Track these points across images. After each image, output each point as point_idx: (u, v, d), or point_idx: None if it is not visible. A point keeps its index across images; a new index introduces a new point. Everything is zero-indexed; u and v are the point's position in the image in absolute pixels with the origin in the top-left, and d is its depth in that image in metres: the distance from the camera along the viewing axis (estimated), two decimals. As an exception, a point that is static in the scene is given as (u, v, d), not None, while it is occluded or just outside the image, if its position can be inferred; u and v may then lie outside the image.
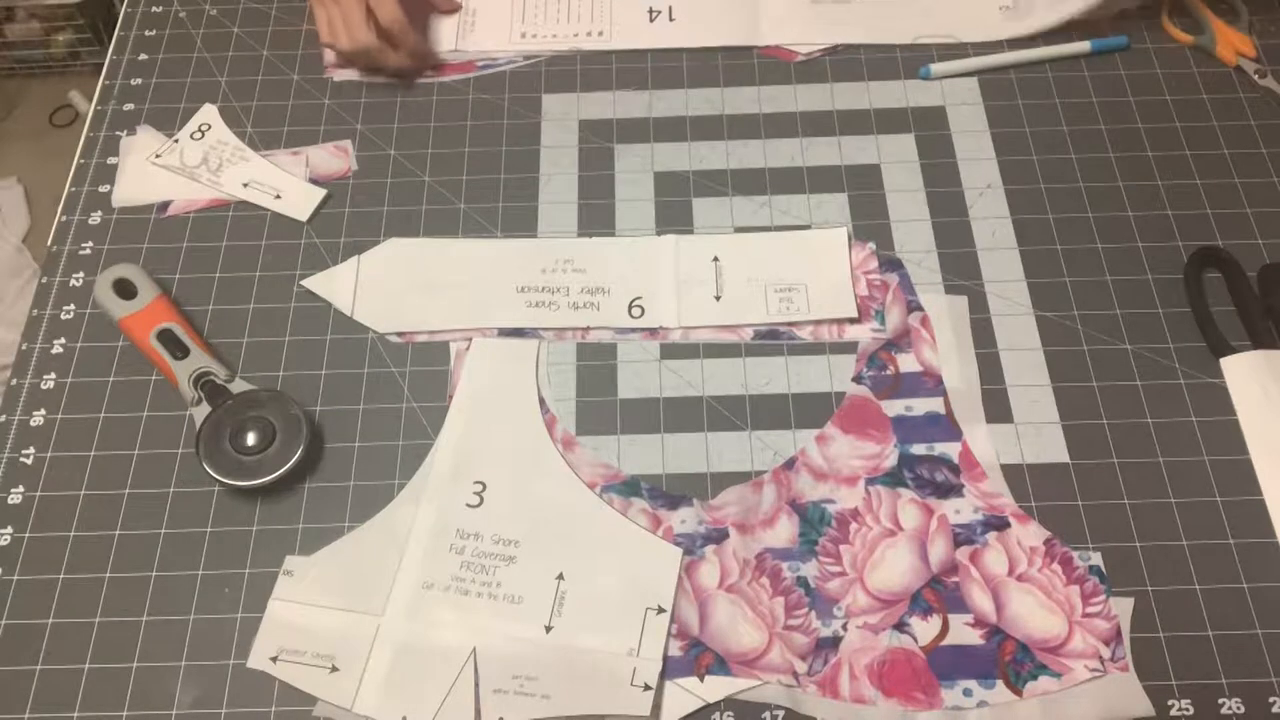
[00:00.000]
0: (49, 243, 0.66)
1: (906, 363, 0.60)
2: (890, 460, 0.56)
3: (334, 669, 0.51)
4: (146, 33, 0.76)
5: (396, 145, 0.69)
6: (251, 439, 0.56)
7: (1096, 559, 0.53)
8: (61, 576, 0.54)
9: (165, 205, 0.67)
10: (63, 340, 0.62)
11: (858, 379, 0.59)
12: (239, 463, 0.55)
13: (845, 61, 0.73)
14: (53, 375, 0.61)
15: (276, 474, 0.55)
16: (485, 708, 0.50)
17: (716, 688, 0.50)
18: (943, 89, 0.71)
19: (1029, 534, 0.54)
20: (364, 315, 0.62)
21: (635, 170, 0.68)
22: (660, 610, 0.52)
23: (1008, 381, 0.59)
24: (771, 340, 0.61)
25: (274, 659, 0.51)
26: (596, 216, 0.66)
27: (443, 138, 0.70)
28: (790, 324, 0.61)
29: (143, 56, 0.75)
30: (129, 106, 0.72)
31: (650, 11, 0.73)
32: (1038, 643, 0.51)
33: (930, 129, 0.69)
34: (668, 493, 0.56)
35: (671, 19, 0.73)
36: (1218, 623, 0.51)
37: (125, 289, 0.60)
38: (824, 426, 0.58)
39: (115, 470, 0.57)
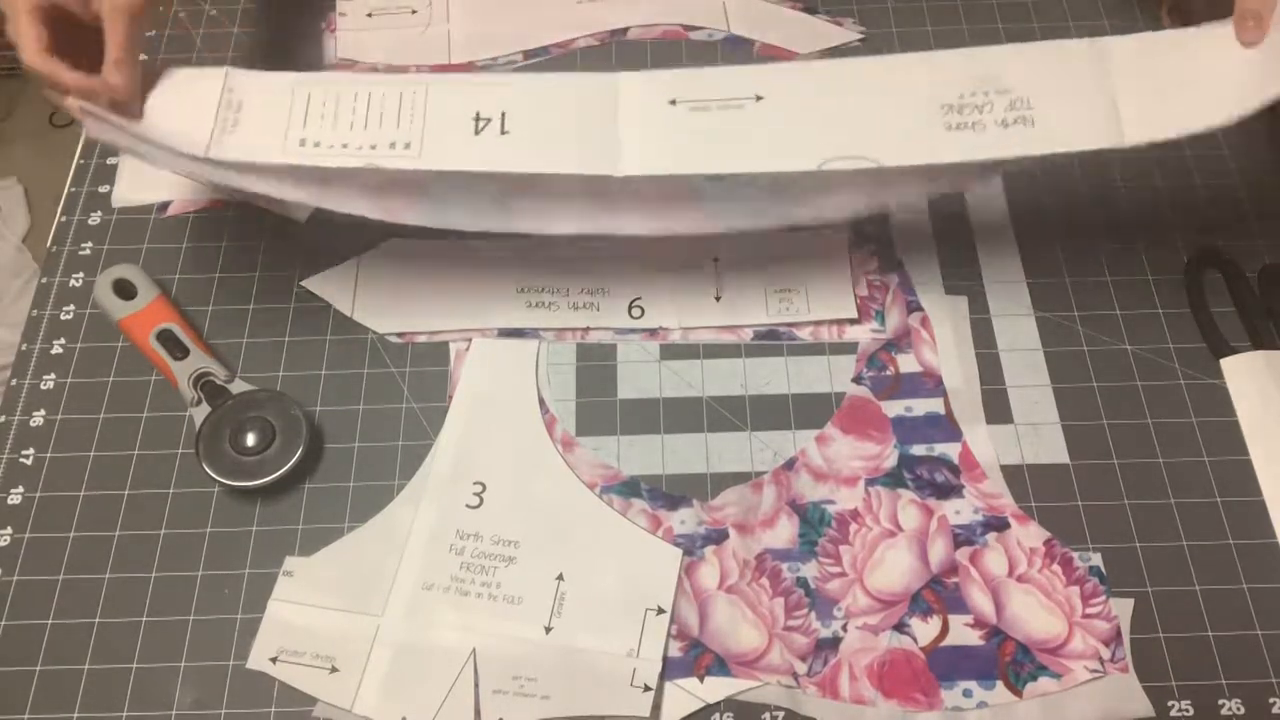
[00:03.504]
0: (49, 243, 0.66)
1: (906, 363, 0.60)
2: (890, 461, 0.56)
3: (334, 669, 0.51)
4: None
5: (396, 145, 0.69)
6: (251, 440, 0.56)
7: (1096, 560, 0.53)
8: (61, 577, 0.54)
9: (165, 205, 0.67)
10: (63, 340, 0.62)
11: (858, 379, 0.59)
12: (239, 463, 0.55)
13: (845, 61, 0.73)
14: (52, 376, 0.61)
15: (276, 474, 0.55)
16: (485, 708, 0.50)
17: (716, 688, 0.50)
18: (943, 89, 0.71)
19: (1029, 535, 0.54)
20: (364, 315, 0.62)
21: (635, 170, 0.68)
22: (660, 611, 0.52)
23: (1008, 382, 0.59)
24: (771, 340, 0.61)
25: (273, 660, 0.51)
26: (596, 217, 0.66)
27: (443, 138, 0.70)
28: (790, 325, 0.61)
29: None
30: (129, 106, 0.72)
31: (477, 119, 0.53)
32: (1038, 643, 0.51)
33: (930, 129, 0.69)
34: (667, 493, 0.56)
35: (504, 130, 0.53)
36: (1218, 623, 0.51)
37: (125, 289, 0.60)
38: (824, 427, 0.58)
39: (115, 470, 0.57)
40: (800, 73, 0.55)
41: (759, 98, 0.53)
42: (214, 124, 0.52)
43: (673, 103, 0.53)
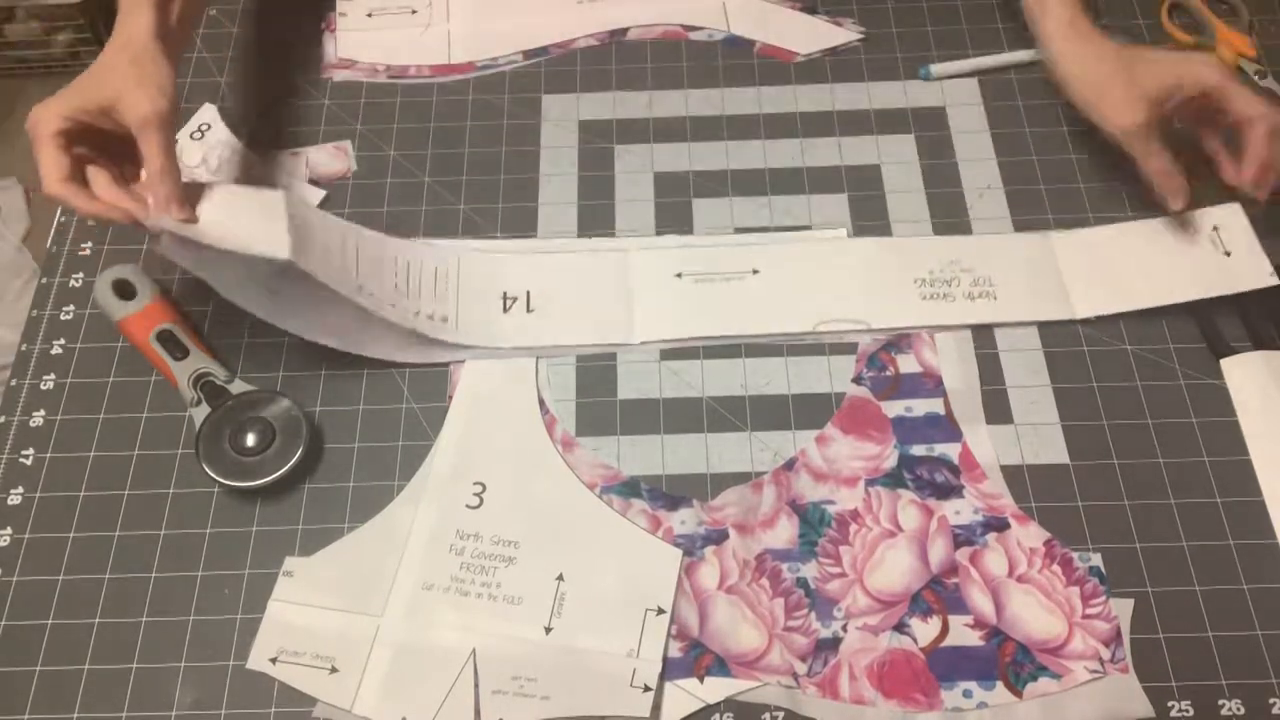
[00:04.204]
0: (49, 243, 0.66)
1: (906, 363, 0.60)
2: (890, 461, 0.56)
3: (334, 670, 0.51)
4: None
5: (396, 145, 0.69)
6: (251, 440, 0.56)
7: (1096, 560, 0.53)
8: (61, 577, 0.54)
9: (165, 205, 0.67)
10: (62, 341, 0.62)
11: (858, 380, 0.59)
12: (239, 463, 0.55)
13: (845, 62, 0.73)
14: (52, 376, 0.60)
15: (276, 475, 0.55)
16: (485, 709, 0.50)
17: (716, 689, 0.50)
18: (943, 89, 0.71)
19: (1029, 535, 0.54)
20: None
21: (635, 170, 0.68)
22: (660, 611, 0.52)
23: (1008, 382, 0.59)
24: (771, 340, 0.61)
25: (273, 660, 0.51)
26: (596, 217, 0.66)
27: (442, 138, 0.70)
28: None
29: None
30: (129, 107, 0.72)
31: (504, 298, 0.61)
32: (1038, 644, 0.51)
33: (930, 129, 0.69)
34: (667, 493, 0.56)
35: (529, 309, 0.61)
36: (1217, 624, 0.51)
37: (125, 289, 0.60)
38: (824, 427, 0.58)
39: (115, 471, 0.57)
40: (791, 250, 0.63)
41: (755, 271, 0.62)
42: (289, 235, 0.55)
43: (678, 275, 0.62)
